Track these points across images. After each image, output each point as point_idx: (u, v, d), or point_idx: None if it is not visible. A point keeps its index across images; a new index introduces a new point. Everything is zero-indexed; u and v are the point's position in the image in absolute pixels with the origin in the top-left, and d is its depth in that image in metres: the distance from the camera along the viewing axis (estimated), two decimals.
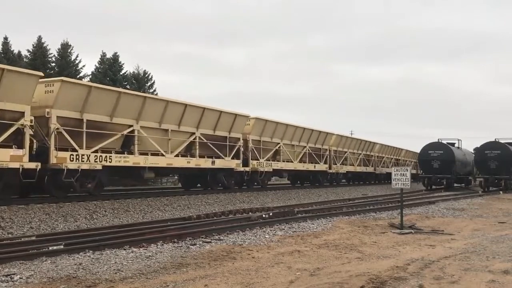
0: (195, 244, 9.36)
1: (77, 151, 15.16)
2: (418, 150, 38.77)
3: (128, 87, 40.82)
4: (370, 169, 41.34)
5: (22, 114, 13.61)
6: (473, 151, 38.24)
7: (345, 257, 8.38)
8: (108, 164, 16.12)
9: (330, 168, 33.20)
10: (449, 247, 9.57)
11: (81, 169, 15.17)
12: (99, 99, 15.91)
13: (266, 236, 10.65)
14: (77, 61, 40.81)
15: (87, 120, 15.54)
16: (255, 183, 25.49)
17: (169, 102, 18.85)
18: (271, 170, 26.12)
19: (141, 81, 44.09)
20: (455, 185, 36.59)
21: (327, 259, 8.12)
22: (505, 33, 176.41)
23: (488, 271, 7.24)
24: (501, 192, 31.22)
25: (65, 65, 38.97)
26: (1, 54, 36.77)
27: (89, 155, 15.50)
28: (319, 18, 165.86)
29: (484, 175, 33.74)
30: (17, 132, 13.55)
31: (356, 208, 17.78)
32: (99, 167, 15.81)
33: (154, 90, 44.63)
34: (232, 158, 22.70)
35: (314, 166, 30.87)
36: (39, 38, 39.12)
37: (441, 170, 33.38)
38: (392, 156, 47.54)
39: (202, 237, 10.14)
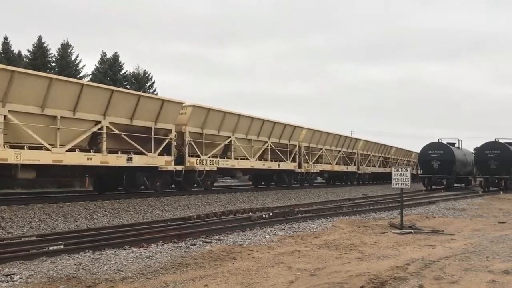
0: (195, 244, 9.35)
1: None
2: (418, 150, 38.73)
3: (128, 87, 40.87)
4: (352, 168, 37.34)
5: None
6: (473, 151, 38.26)
7: (345, 257, 8.38)
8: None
9: (299, 166, 29.34)
10: (449, 247, 9.57)
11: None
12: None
13: (266, 236, 10.65)
14: (77, 61, 40.89)
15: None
16: (194, 185, 21.73)
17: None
18: (215, 168, 21.94)
19: (141, 81, 44.14)
20: (455, 185, 36.57)
21: (327, 259, 8.12)
22: (505, 33, 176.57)
23: (488, 271, 7.24)
24: (501, 192, 31.22)
25: (65, 65, 39.03)
26: (1, 54, 36.82)
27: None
28: (319, 18, 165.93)
29: (484, 175, 33.74)
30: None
31: (356, 208, 17.77)
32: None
33: (154, 90, 44.71)
34: (160, 154, 18.85)
35: (279, 165, 27.23)
36: (39, 38, 39.20)
37: (441, 170, 33.37)
38: (379, 154, 43.89)
39: (202, 237, 10.14)
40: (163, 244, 9.30)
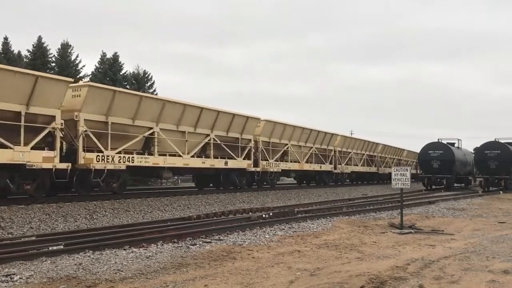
0: (195, 244, 9.35)
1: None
2: (418, 150, 38.70)
3: (128, 87, 40.85)
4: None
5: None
6: (473, 151, 38.25)
7: (345, 257, 8.38)
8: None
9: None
10: (449, 247, 9.57)
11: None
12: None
13: (266, 236, 10.65)
14: (77, 61, 40.84)
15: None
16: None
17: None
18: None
19: (141, 81, 44.12)
20: (455, 185, 36.57)
21: (327, 259, 8.12)
22: (505, 33, 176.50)
23: (488, 271, 7.24)
24: (501, 192, 31.21)
25: (65, 65, 38.99)
26: (1, 54, 36.80)
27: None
28: (319, 18, 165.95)
29: (484, 175, 33.74)
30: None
31: (356, 208, 17.78)
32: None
33: (154, 90, 44.67)
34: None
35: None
36: (39, 38, 39.15)
37: (441, 170, 33.38)
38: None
39: (202, 237, 10.14)
40: (163, 244, 9.30)
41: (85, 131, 15.97)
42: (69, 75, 30.72)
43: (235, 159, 23.30)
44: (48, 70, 35.57)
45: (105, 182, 16.84)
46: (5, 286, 6.15)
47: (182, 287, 6.16)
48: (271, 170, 26.23)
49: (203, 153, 21.75)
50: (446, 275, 6.95)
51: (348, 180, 37.75)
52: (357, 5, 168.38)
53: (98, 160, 16.41)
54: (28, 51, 39.25)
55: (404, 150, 51.55)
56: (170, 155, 19.68)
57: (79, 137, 15.87)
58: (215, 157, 22.12)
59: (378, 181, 43.56)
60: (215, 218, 13.86)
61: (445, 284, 6.42)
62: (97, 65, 42.69)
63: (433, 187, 34.34)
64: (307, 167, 30.27)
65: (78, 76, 38.34)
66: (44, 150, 14.72)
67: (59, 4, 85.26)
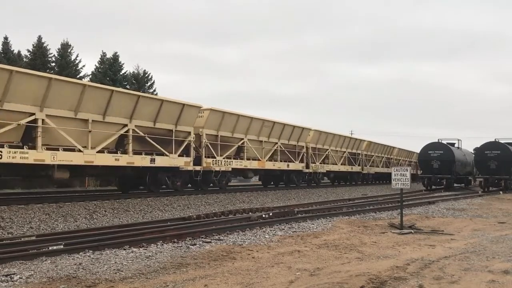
0: (195, 244, 9.36)
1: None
2: (417, 150, 38.69)
3: (128, 87, 40.86)
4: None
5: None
6: (473, 151, 38.24)
7: (345, 257, 8.38)
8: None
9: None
10: (449, 247, 9.57)
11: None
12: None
13: (266, 236, 10.65)
14: (77, 61, 40.87)
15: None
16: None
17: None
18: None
19: (141, 81, 44.14)
20: (455, 185, 36.58)
21: (327, 259, 8.12)
22: (505, 32, 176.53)
23: (488, 271, 7.25)
24: (501, 192, 31.22)
25: (65, 65, 39.03)
26: (1, 54, 36.83)
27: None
28: (316, 17, 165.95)
29: (484, 175, 33.75)
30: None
31: (356, 208, 17.78)
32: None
33: (154, 90, 44.69)
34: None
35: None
36: (39, 38, 39.18)
37: (441, 170, 33.38)
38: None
39: (202, 237, 10.14)
40: (163, 244, 9.30)
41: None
42: (68, 75, 30.76)
43: (167, 155, 19.23)
44: (48, 70, 35.59)
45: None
46: (5, 285, 6.15)
47: (182, 287, 6.16)
48: (218, 169, 22.13)
49: (120, 147, 17.63)
50: (446, 275, 6.95)
51: (327, 180, 37.22)
52: (355, 4, 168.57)
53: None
54: (28, 51, 39.28)
55: (394, 148, 47.82)
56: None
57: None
58: (138, 153, 18.02)
59: (363, 181, 39.53)
60: (215, 218, 13.86)
61: (445, 284, 6.42)
62: (97, 65, 42.74)
63: (433, 187, 34.36)
64: (270, 165, 26.38)
65: (78, 76, 38.37)
66: None
67: (59, 4, 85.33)
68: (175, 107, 19.55)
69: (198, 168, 20.72)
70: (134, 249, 8.71)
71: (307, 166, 30.12)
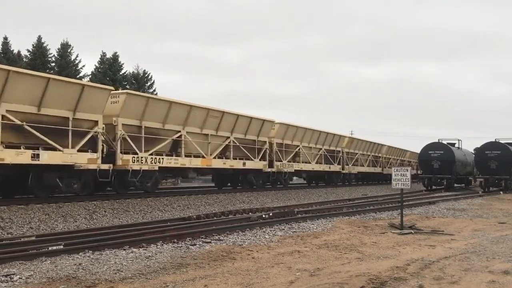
0: (195, 245, 9.35)
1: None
2: (417, 150, 38.71)
3: (128, 87, 40.87)
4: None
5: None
6: (473, 151, 38.23)
7: (345, 257, 8.38)
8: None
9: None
10: (449, 248, 9.56)
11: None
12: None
13: (266, 237, 10.64)
14: (77, 61, 40.91)
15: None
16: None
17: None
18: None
19: (140, 81, 44.15)
20: (455, 185, 36.57)
21: (327, 260, 8.11)
22: (505, 32, 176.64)
23: (488, 272, 7.24)
24: (501, 192, 31.21)
25: (64, 65, 39.06)
26: (1, 54, 36.84)
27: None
28: (316, 17, 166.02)
29: (484, 175, 33.73)
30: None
31: (356, 208, 17.77)
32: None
33: (154, 90, 44.70)
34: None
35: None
36: (39, 38, 39.23)
37: (441, 170, 33.37)
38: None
39: (202, 238, 10.13)
40: (162, 244, 9.29)
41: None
42: (68, 75, 30.78)
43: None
44: (48, 70, 35.59)
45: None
46: (5, 286, 6.14)
47: (182, 287, 6.16)
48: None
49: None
50: (446, 275, 6.94)
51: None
52: (355, 4, 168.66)
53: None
54: (28, 51, 39.33)
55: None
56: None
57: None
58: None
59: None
60: (215, 218, 13.85)
61: (445, 285, 6.41)
62: (97, 65, 42.77)
63: (433, 187, 34.34)
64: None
65: (78, 76, 38.36)
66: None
67: (59, 4, 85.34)
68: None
69: (105, 166, 16.39)
70: (134, 249, 8.70)
71: (271, 165, 26.33)
